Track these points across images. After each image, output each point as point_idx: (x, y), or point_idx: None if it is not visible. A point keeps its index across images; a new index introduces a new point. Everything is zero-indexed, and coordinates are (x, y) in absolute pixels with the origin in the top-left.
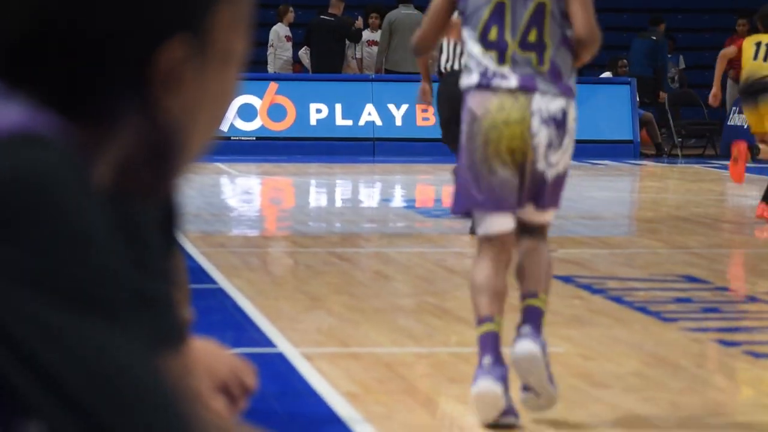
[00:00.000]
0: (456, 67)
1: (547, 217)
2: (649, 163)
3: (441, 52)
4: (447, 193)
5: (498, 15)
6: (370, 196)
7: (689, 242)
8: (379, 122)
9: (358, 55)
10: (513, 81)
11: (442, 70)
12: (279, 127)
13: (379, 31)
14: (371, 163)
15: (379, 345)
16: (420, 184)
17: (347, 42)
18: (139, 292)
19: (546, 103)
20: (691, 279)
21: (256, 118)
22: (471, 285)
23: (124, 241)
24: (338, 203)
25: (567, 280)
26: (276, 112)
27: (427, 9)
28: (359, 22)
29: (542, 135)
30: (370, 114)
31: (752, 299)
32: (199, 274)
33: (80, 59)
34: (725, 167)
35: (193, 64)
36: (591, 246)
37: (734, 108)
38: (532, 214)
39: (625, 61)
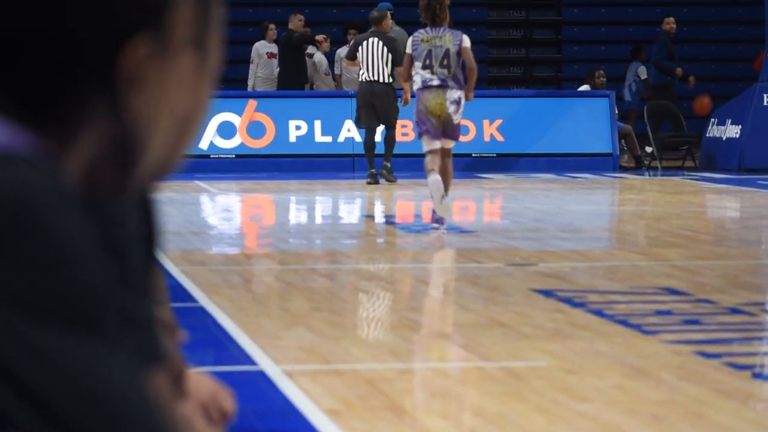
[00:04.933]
0: (365, 78)
1: (452, 144)
2: (628, 176)
3: (360, 68)
4: (427, 209)
5: (429, 55)
6: (350, 212)
7: (669, 254)
8: (358, 138)
9: (337, 71)
10: (436, 82)
11: (361, 80)
12: (258, 145)
13: None
14: (351, 180)
15: (360, 361)
16: (400, 199)
17: (319, 57)
18: (124, 310)
19: (452, 93)
20: (672, 291)
21: (235, 136)
22: (425, 167)
23: (107, 259)
24: (318, 220)
25: (548, 293)
26: (255, 129)
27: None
28: (322, 39)
29: (451, 106)
30: (349, 130)
31: (733, 311)
32: (179, 292)
33: (44, 62)
34: (705, 179)
35: (157, 62)
36: (571, 259)
37: (713, 120)
38: (445, 142)
39: (602, 72)
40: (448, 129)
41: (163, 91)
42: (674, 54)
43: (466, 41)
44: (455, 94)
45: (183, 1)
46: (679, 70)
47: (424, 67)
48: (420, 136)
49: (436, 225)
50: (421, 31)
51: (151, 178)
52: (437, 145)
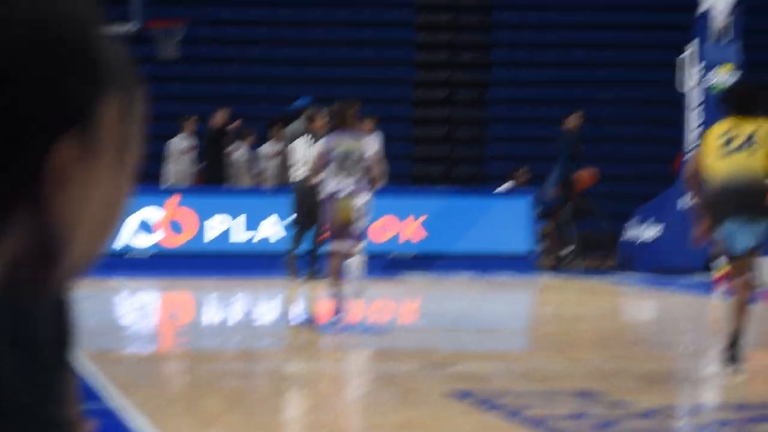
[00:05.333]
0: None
1: (358, 246)
2: (548, 276)
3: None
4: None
5: (339, 160)
6: (267, 312)
7: (586, 356)
8: (280, 236)
9: (261, 167)
10: (347, 189)
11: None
12: (178, 241)
13: (281, 144)
14: (270, 278)
15: None
16: (318, 299)
17: (241, 153)
18: (29, 407)
19: (361, 197)
20: (588, 394)
21: (155, 232)
22: (329, 267)
23: (16, 354)
24: (235, 319)
25: (465, 394)
26: (176, 225)
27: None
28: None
29: (359, 210)
30: (271, 227)
31: (648, 414)
32: (95, 391)
33: None
34: (623, 279)
35: (82, 161)
36: (489, 360)
37: (634, 219)
38: (352, 244)
39: (526, 170)
40: (354, 231)
41: (87, 192)
42: (581, 151)
43: (373, 149)
44: (362, 198)
45: (110, 101)
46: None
47: (334, 172)
48: (328, 237)
49: (333, 320)
50: (333, 135)
51: (70, 276)
52: (344, 246)
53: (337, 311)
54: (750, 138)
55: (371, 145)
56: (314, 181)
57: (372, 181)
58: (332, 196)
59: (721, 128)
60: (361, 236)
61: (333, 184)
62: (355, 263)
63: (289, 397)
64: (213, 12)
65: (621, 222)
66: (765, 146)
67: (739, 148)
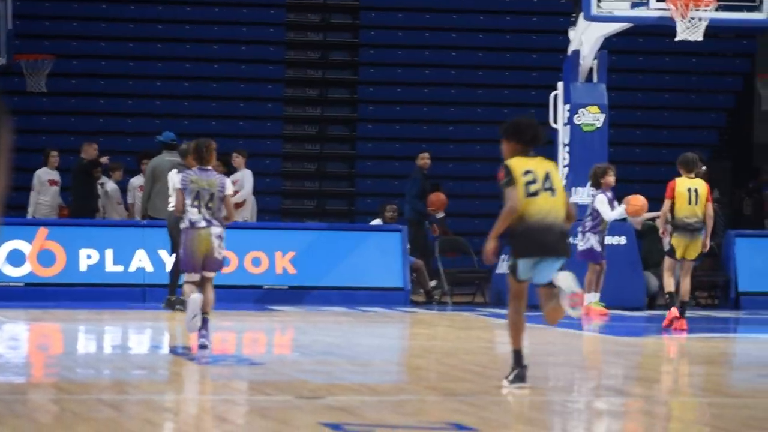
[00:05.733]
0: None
1: (212, 274)
2: (419, 311)
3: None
4: (218, 340)
5: (197, 196)
6: (139, 343)
7: (458, 389)
8: (149, 268)
9: (130, 200)
10: (203, 223)
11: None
12: (48, 273)
13: None
14: (142, 310)
15: None
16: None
17: (111, 186)
18: None
19: (216, 230)
20: (460, 426)
21: (25, 264)
22: (185, 293)
23: None
24: (107, 350)
25: (335, 427)
26: (45, 257)
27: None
28: (104, 159)
29: (216, 241)
30: (140, 260)
31: None
32: None
33: None
34: (494, 315)
35: None
36: (360, 393)
37: (503, 257)
38: (206, 273)
39: (394, 206)
40: (209, 262)
41: None
42: (427, 190)
43: (229, 188)
44: (218, 230)
45: None
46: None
47: (192, 206)
48: (184, 269)
49: (201, 352)
50: (190, 171)
51: None
52: (198, 277)
53: (200, 339)
54: (547, 179)
55: (225, 186)
56: (177, 214)
57: (226, 217)
58: (189, 228)
59: (520, 166)
60: (216, 267)
61: (190, 216)
62: (207, 297)
63: (162, 428)
64: (81, 46)
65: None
66: (560, 188)
67: (543, 188)
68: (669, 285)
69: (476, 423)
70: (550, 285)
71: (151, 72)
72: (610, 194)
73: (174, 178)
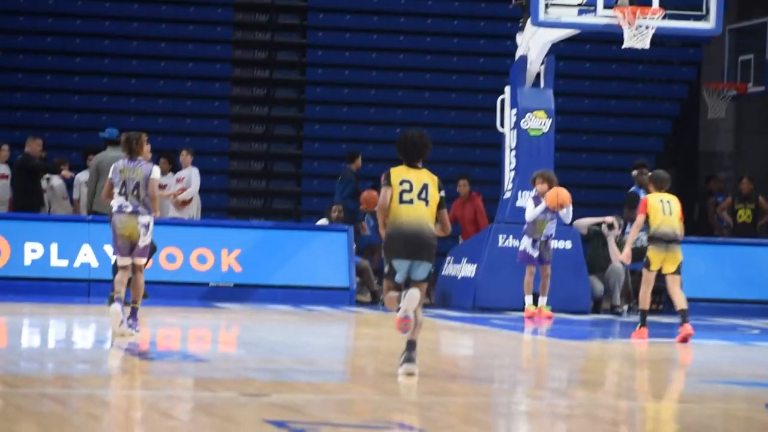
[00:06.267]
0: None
1: (141, 261)
2: (364, 311)
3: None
4: (163, 336)
5: (124, 184)
6: (84, 337)
7: (402, 390)
8: (95, 263)
9: (76, 196)
10: (130, 208)
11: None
12: None
13: None
14: (86, 304)
15: None
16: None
17: (57, 182)
18: None
19: (142, 218)
20: (404, 426)
21: None
22: (114, 280)
23: None
24: (51, 344)
25: (280, 425)
26: None
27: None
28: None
29: (142, 229)
30: (85, 255)
31: None
32: None
33: None
34: (440, 316)
35: None
36: (305, 391)
37: (449, 258)
38: (136, 259)
39: (340, 207)
40: (136, 248)
41: None
42: (359, 190)
43: (155, 173)
44: (145, 219)
45: None
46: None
47: (120, 194)
48: (114, 252)
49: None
50: (120, 162)
51: None
52: (128, 261)
53: (129, 319)
54: (423, 190)
55: (151, 172)
56: (103, 200)
57: (153, 206)
58: (115, 213)
59: (399, 174)
60: (139, 253)
61: (118, 202)
62: (137, 283)
63: (106, 423)
64: (28, 41)
65: (439, 261)
66: (434, 200)
67: (418, 197)
68: (645, 301)
69: (421, 423)
70: (407, 285)
71: (98, 68)
72: (541, 200)
73: None
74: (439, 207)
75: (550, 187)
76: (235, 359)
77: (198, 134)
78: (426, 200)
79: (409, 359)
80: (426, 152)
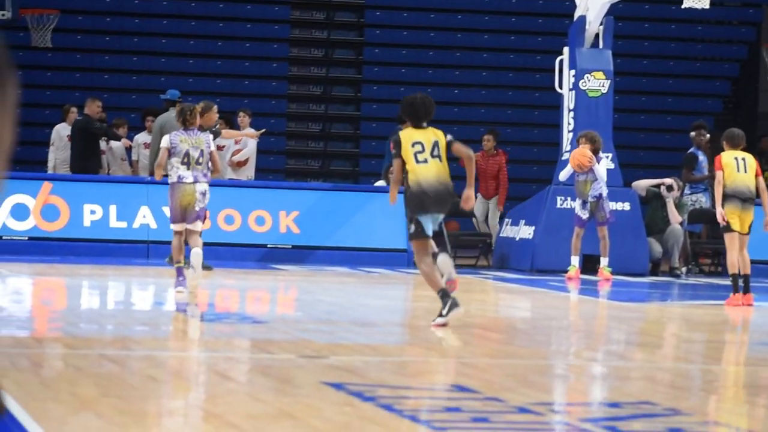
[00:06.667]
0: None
1: (198, 226)
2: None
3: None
4: (221, 297)
5: (186, 154)
6: (142, 299)
7: (460, 352)
8: (153, 225)
9: (134, 157)
10: (190, 179)
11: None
12: (52, 228)
13: None
14: (145, 266)
15: None
16: (193, 287)
17: (116, 144)
18: None
19: (200, 185)
20: (461, 388)
21: (29, 218)
22: (172, 245)
23: None
24: (110, 305)
25: (338, 386)
26: (49, 212)
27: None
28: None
29: (198, 196)
30: (144, 216)
31: (522, 410)
32: None
33: None
34: (497, 278)
35: None
36: (363, 353)
37: (507, 220)
38: (189, 225)
39: None
40: (188, 215)
41: None
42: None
43: (212, 144)
44: (202, 186)
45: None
46: None
47: (182, 164)
48: (171, 220)
49: (180, 285)
50: (178, 132)
51: None
52: (182, 227)
53: (179, 283)
54: (434, 148)
55: (209, 143)
56: (159, 170)
57: (212, 172)
58: (176, 183)
59: (410, 136)
60: (193, 219)
61: (179, 172)
62: (195, 254)
63: (165, 384)
64: (87, 1)
65: (499, 222)
66: (445, 153)
67: (431, 155)
68: (734, 265)
69: (478, 385)
70: (433, 236)
71: (157, 29)
72: None
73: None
74: (449, 149)
75: (593, 148)
76: (293, 321)
77: (256, 95)
78: (439, 156)
79: (456, 304)
80: (432, 112)
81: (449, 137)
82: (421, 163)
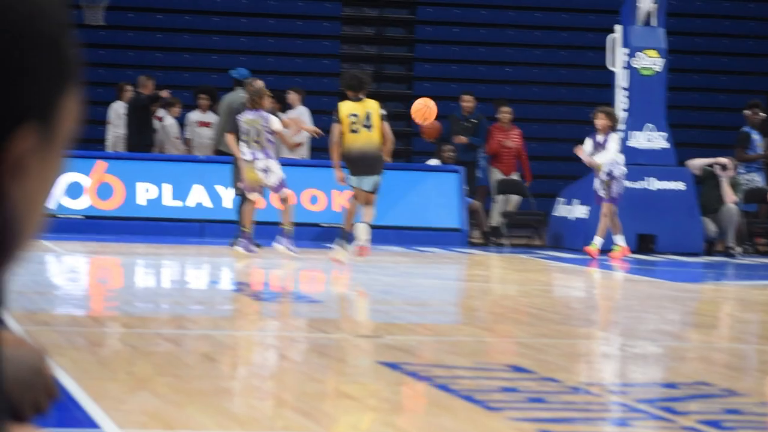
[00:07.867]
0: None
1: (281, 195)
2: (476, 252)
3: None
4: (275, 277)
5: (250, 133)
6: (197, 278)
7: (515, 331)
8: (208, 204)
9: (188, 135)
10: (249, 156)
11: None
12: (107, 206)
13: (209, 113)
14: (199, 245)
15: (203, 428)
16: (249, 267)
17: (169, 121)
18: None
19: (259, 162)
20: (517, 369)
21: (83, 196)
22: (243, 211)
23: None
24: (166, 284)
25: (393, 366)
26: (104, 190)
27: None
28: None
29: (261, 173)
30: (198, 195)
31: (576, 390)
32: None
33: None
34: (551, 257)
35: (40, 153)
36: (417, 333)
37: (560, 199)
38: (276, 195)
39: (452, 147)
40: (268, 188)
41: (43, 183)
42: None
43: (277, 124)
44: (261, 163)
45: (71, 95)
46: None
47: (243, 141)
48: (242, 190)
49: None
50: (246, 112)
51: (17, 252)
52: (255, 195)
53: (249, 246)
54: (368, 118)
55: (270, 122)
56: (228, 150)
57: (284, 142)
58: (242, 161)
59: (347, 108)
60: (276, 189)
61: (245, 152)
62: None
63: (220, 363)
64: None
65: (551, 201)
66: (378, 125)
67: (364, 126)
68: None
69: (533, 365)
70: (369, 193)
71: (209, 7)
72: (599, 137)
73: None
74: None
75: (611, 124)
76: (348, 300)
77: (308, 74)
78: (369, 126)
79: (343, 238)
80: (366, 86)
81: (383, 112)
82: (353, 133)
